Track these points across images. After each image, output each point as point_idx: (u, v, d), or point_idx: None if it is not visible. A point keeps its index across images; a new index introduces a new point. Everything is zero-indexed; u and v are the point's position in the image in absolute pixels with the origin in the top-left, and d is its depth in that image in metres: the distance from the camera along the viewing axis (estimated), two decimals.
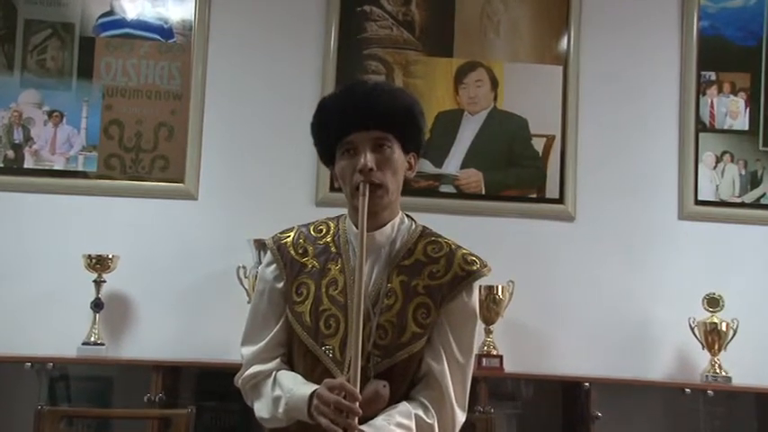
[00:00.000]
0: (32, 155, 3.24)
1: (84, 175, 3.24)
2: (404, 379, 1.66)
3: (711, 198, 3.36)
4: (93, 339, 3.05)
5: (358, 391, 1.54)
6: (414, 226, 1.75)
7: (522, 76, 3.37)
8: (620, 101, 3.38)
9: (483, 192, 3.31)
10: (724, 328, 3.14)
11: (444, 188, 3.32)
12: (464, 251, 1.73)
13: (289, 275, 1.72)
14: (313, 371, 1.66)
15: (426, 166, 3.29)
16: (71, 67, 3.26)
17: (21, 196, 3.20)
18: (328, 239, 1.74)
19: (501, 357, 3.07)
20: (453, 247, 1.73)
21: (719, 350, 3.14)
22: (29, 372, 2.93)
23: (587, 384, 2.96)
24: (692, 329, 3.17)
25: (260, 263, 3.01)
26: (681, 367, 3.24)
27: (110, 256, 3.07)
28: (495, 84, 3.36)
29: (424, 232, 1.75)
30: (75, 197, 3.21)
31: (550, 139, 3.35)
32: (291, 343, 1.71)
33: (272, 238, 1.78)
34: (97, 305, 3.07)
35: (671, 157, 3.37)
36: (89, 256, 3.07)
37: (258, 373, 1.72)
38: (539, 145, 3.34)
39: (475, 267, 1.70)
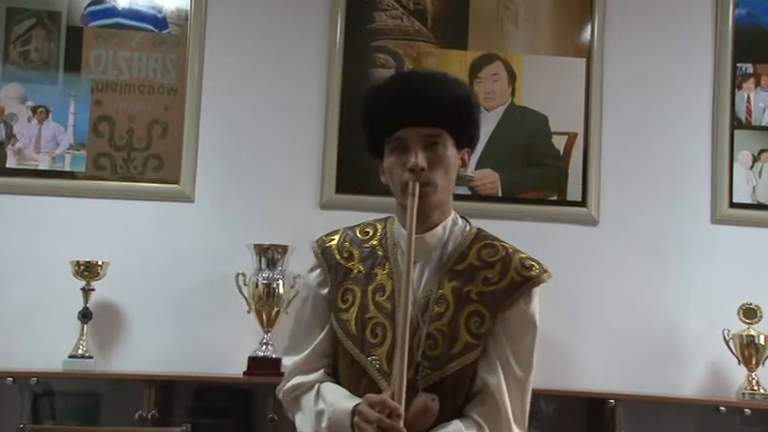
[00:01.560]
0: (15, 154, 3.23)
1: (71, 175, 3.22)
2: (455, 393, 1.63)
3: (747, 200, 3.34)
4: (80, 352, 3.03)
5: (403, 405, 1.52)
6: (468, 228, 1.74)
7: (541, 70, 3.35)
8: (648, 95, 3.36)
9: (499, 194, 3.30)
10: (762, 341, 3.11)
11: (458, 190, 3.18)
12: (522, 255, 1.71)
13: (334, 281, 1.71)
14: (359, 383, 1.65)
15: None
16: (57, 59, 3.25)
17: (2, 198, 3.19)
18: (375, 242, 1.73)
19: None
20: (510, 250, 1.71)
21: (757, 365, 3.11)
22: (11, 387, 2.91)
23: (612, 401, 2.94)
24: (727, 342, 3.15)
25: (260, 269, 3.09)
26: (715, 384, 3.22)
27: (99, 263, 3.06)
28: (512, 78, 3.34)
29: (479, 235, 1.74)
30: (61, 199, 3.20)
31: (572, 136, 3.33)
32: (336, 353, 1.71)
33: (317, 241, 1.78)
34: (85, 315, 3.05)
35: (703, 157, 3.36)
36: (77, 262, 3.05)
37: (300, 384, 1.71)
38: (559, 143, 3.32)
39: (534, 272, 1.68)
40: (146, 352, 3.10)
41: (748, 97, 3.37)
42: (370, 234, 1.75)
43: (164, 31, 3.30)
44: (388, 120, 1.64)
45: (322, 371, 1.71)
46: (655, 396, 3.06)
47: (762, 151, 3.36)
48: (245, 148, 3.28)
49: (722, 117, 3.35)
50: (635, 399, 2.99)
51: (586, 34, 3.36)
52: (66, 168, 3.22)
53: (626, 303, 3.25)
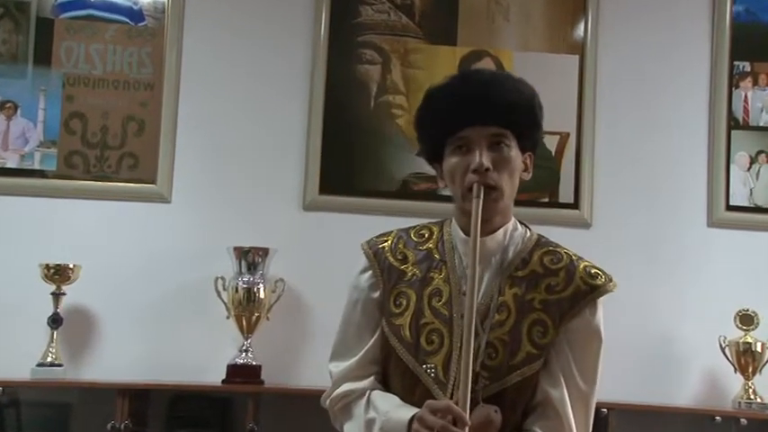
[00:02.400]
0: None
1: (41, 174, 3.21)
2: (516, 406, 1.62)
3: (744, 203, 3.34)
4: (49, 360, 3.01)
5: (467, 415, 1.51)
6: (528, 233, 1.74)
7: (533, 67, 3.32)
8: (643, 94, 3.36)
9: None
10: (759, 349, 3.11)
11: (445, 190, 3.24)
12: (586, 263, 1.70)
13: (386, 284, 1.71)
14: (413, 392, 1.64)
15: (425, 167, 3.19)
16: (26, 52, 3.22)
17: None
18: (431, 245, 1.73)
19: None
20: (574, 258, 1.71)
21: (754, 373, 3.11)
22: None
23: (605, 411, 2.92)
24: (723, 350, 3.15)
25: (240, 273, 3.09)
26: (710, 392, 3.22)
27: (70, 266, 3.05)
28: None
29: (540, 241, 1.74)
30: (30, 199, 3.18)
31: (564, 137, 3.33)
32: (387, 360, 1.70)
33: (368, 242, 1.78)
34: (55, 321, 3.03)
35: (699, 158, 3.36)
36: (47, 265, 3.03)
37: (350, 392, 1.70)
38: (551, 144, 3.31)
39: (599, 281, 1.67)
40: (119, 359, 3.08)
41: (745, 96, 3.37)
42: (426, 237, 1.75)
43: (139, 24, 3.28)
44: (452, 118, 1.63)
45: (372, 378, 1.71)
46: (648, 405, 3.06)
47: (759, 152, 3.36)
48: (225, 146, 3.26)
49: (719, 117, 3.35)
50: (628, 408, 2.98)
51: (579, 31, 3.36)
52: (36, 167, 3.20)
53: (619, 309, 3.11)
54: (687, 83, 3.37)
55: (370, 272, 1.73)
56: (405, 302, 1.68)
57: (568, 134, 3.31)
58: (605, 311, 1.68)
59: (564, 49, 3.35)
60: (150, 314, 3.14)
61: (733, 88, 3.37)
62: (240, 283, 3.05)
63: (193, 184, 3.23)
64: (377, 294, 1.72)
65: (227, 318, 3.07)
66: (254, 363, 3.02)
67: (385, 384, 1.70)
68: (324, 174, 3.24)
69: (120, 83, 3.24)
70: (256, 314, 3.06)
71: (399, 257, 1.72)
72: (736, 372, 3.12)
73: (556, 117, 3.30)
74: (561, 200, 3.30)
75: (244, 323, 3.05)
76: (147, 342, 3.11)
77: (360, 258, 1.76)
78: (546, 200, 3.29)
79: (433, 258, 1.71)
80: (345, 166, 3.25)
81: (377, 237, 1.78)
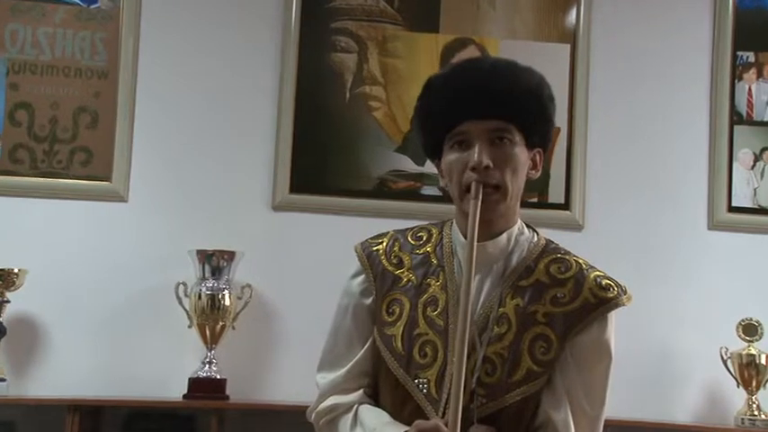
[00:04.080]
0: None
1: None
2: (515, 428, 1.60)
3: (748, 204, 3.36)
4: None
5: None
6: (536, 238, 1.71)
7: (521, 57, 3.17)
8: (639, 87, 3.37)
9: None
10: (763, 361, 3.12)
11: (427, 190, 3.30)
12: (598, 273, 1.67)
13: (379, 290, 1.70)
14: (402, 408, 1.63)
15: (406, 164, 3.29)
16: None
17: None
18: (429, 249, 1.71)
19: None
20: (585, 267, 1.67)
21: (758, 388, 3.12)
22: None
23: None
24: (725, 362, 3.15)
25: (203, 278, 3.08)
26: (711, 408, 3.23)
27: (15, 271, 3.03)
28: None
29: (548, 247, 1.71)
30: None
31: (555, 132, 3.28)
32: (378, 372, 1.69)
33: (362, 244, 1.76)
34: None
35: (700, 155, 3.37)
36: None
37: (336, 406, 1.69)
38: None
39: (611, 294, 1.64)
40: (69, 373, 3.05)
41: (749, 89, 3.39)
42: (424, 239, 1.73)
43: (92, 6, 3.25)
44: (449, 112, 1.61)
45: (361, 391, 1.70)
46: (645, 422, 3.06)
47: (764, 149, 3.38)
48: (188, 141, 3.24)
49: (721, 111, 3.36)
50: (623, 424, 2.91)
51: (571, 18, 3.36)
52: None
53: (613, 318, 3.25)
54: (687, 75, 3.38)
55: (362, 276, 1.72)
56: (398, 311, 1.67)
57: (559, 129, 3.30)
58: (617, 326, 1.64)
59: (554, 37, 3.36)
60: (104, 323, 3.11)
61: (736, 80, 3.38)
62: (203, 290, 3.04)
63: (152, 181, 3.21)
64: (369, 301, 1.70)
65: (189, 327, 3.06)
66: (218, 376, 3.01)
67: (375, 398, 1.70)
68: (295, 171, 3.23)
69: (72, 70, 3.22)
70: (221, 323, 3.05)
71: (394, 261, 1.71)
72: (738, 386, 3.13)
73: None
74: (551, 200, 3.30)
75: (207, 333, 3.04)
76: (101, 354, 3.09)
77: (353, 261, 1.74)
78: (534, 200, 3.28)
79: (430, 263, 1.69)
80: (318, 163, 3.24)
81: (372, 238, 1.77)
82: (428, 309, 1.65)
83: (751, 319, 3.14)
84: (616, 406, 3.04)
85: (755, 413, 3.08)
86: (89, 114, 3.22)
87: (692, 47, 3.39)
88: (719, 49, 3.38)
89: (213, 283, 3.05)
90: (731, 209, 3.33)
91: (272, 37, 3.27)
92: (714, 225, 3.33)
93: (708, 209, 3.34)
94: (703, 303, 3.25)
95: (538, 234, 1.72)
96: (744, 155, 3.36)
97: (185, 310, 3.06)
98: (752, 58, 3.39)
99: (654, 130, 3.36)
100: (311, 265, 3.15)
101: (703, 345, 3.18)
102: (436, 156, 1.67)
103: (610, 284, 1.65)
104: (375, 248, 1.73)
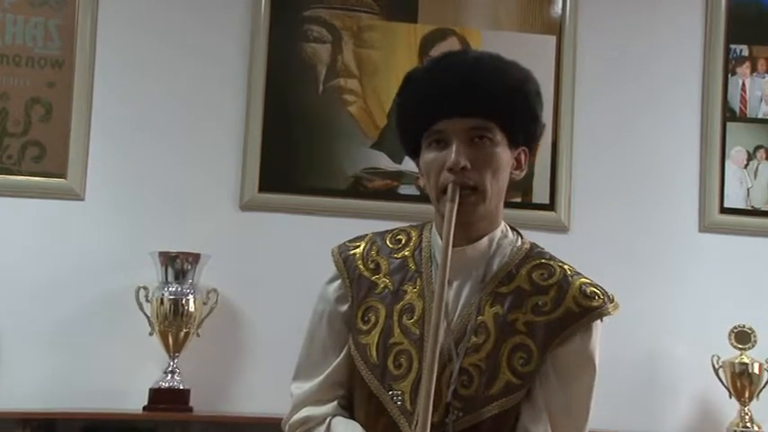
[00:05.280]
0: None
1: None
2: None
3: (741, 205, 3.37)
4: None
5: None
6: (519, 242, 1.70)
7: (504, 49, 3.14)
8: (627, 81, 3.38)
9: None
10: (756, 371, 3.13)
11: (405, 189, 3.30)
12: (584, 280, 1.66)
13: (355, 296, 1.70)
14: (376, 421, 1.63)
15: (383, 161, 3.29)
16: None
17: None
18: (407, 253, 1.71)
19: None
20: (570, 273, 1.66)
21: (751, 398, 3.13)
22: None
23: None
24: (717, 371, 3.16)
25: (166, 282, 3.07)
26: (702, 419, 3.24)
27: None
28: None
29: (532, 252, 1.69)
30: None
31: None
32: (353, 382, 1.69)
33: (339, 247, 1.75)
34: None
35: (691, 154, 3.38)
36: None
37: (309, 418, 1.69)
38: None
39: (596, 302, 1.63)
40: (20, 384, 3.03)
41: (743, 84, 3.40)
42: (403, 242, 1.73)
43: None
44: (426, 109, 1.60)
45: (335, 403, 1.70)
46: None
47: (758, 148, 3.40)
48: (149, 135, 3.22)
49: (713, 107, 3.38)
50: None
51: (557, 7, 3.37)
52: None
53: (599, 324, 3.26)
54: (677, 69, 3.39)
55: (338, 282, 1.71)
56: (373, 318, 1.66)
57: (543, 126, 3.31)
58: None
59: (539, 28, 3.36)
60: (58, 330, 3.10)
61: (729, 75, 3.40)
62: (166, 294, 3.03)
63: (111, 178, 3.19)
64: (345, 308, 1.70)
65: (151, 334, 3.04)
66: (181, 386, 2.99)
67: (350, 409, 1.70)
68: (264, 169, 3.22)
69: (23, 59, 3.21)
70: (185, 330, 3.04)
71: (371, 266, 1.70)
72: (731, 396, 3.14)
73: None
74: (535, 200, 3.30)
75: (170, 340, 3.03)
76: (55, 363, 3.07)
77: (325, 264, 1.73)
78: (517, 200, 3.28)
79: (407, 269, 1.68)
80: (289, 160, 3.23)
81: (349, 241, 1.76)
82: (404, 317, 1.64)
83: (744, 326, 3.15)
84: (601, 418, 3.04)
85: (748, 425, 3.09)
86: (42, 106, 3.20)
87: (683, 40, 3.40)
88: (712, 41, 3.40)
89: (176, 288, 3.04)
90: (723, 210, 3.34)
91: (239, 26, 3.26)
92: (705, 227, 3.34)
93: (699, 210, 3.35)
94: (694, 309, 3.27)
95: (522, 237, 1.72)
96: (737, 153, 3.38)
97: (146, 316, 3.04)
98: (746, 52, 3.41)
99: (643, 127, 3.36)
100: (281, 269, 3.13)
101: (694, 353, 3.19)
102: (416, 154, 1.66)
103: (595, 292, 1.65)
104: (352, 252, 1.73)
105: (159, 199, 3.19)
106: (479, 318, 1.61)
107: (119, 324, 3.07)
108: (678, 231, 3.33)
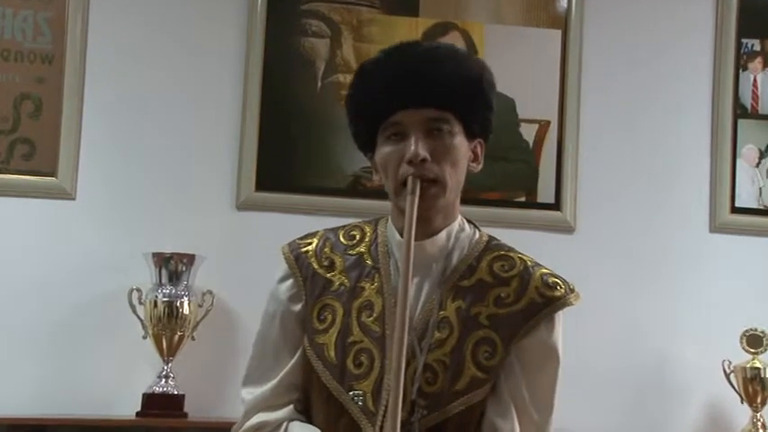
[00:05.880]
0: None
1: None
2: None
3: (752, 204, 3.37)
4: None
5: None
6: (477, 235, 1.72)
7: (508, 43, 3.36)
8: (636, 78, 3.37)
9: None
10: None
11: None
12: (544, 271, 1.68)
13: (309, 295, 1.70)
14: (336, 423, 1.63)
15: None
16: None
17: None
18: (362, 249, 1.72)
19: None
20: (530, 264, 1.68)
21: (763, 404, 3.13)
22: None
23: None
24: (728, 376, 3.16)
25: (160, 284, 3.06)
26: (713, 426, 3.24)
27: None
28: (473, 52, 3.26)
29: (491, 244, 1.71)
30: None
31: (544, 125, 3.33)
32: (310, 385, 1.69)
33: (289, 245, 1.76)
34: None
35: (701, 152, 3.38)
36: None
37: (263, 423, 1.68)
38: (529, 133, 3.32)
39: (558, 293, 1.65)
40: (8, 389, 3.01)
41: (755, 80, 3.40)
42: (357, 238, 1.74)
43: None
44: (382, 100, 1.61)
45: (291, 407, 1.69)
46: None
47: None
48: (143, 132, 3.22)
49: (723, 104, 3.37)
50: None
51: (562, 1, 3.36)
52: None
53: (606, 328, 3.24)
54: (687, 64, 3.39)
55: (290, 280, 1.71)
56: (330, 317, 1.67)
57: (549, 122, 3.32)
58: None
59: (544, 22, 3.36)
60: (49, 334, 3.09)
61: (740, 70, 3.39)
62: (160, 296, 3.03)
63: (103, 177, 3.18)
64: (298, 307, 1.69)
65: (144, 337, 3.04)
66: (175, 391, 2.99)
67: (307, 413, 1.69)
68: (261, 167, 3.22)
69: (12, 54, 3.21)
70: (179, 333, 3.03)
71: (325, 263, 1.71)
72: (742, 402, 3.14)
73: (534, 102, 3.33)
74: (540, 200, 3.30)
75: (164, 344, 3.03)
76: (45, 368, 3.07)
77: (279, 264, 1.74)
78: (522, 199, 3.29)
79: (364, 265, 1.69)
80: (286, 159, 3.22)
81: (300, 238, 1.76)
82: (363, 314, 1.65)
83: (756, 330, 3.15)
84: (608, 424, 3.12)
85: (761, 431, 3.09)
86: (32, 102, 3.20)
87: (693, 34, 3.40)
88: (722, 35, 3.39)
89: (171, 290, 3.04)
90: (735, 210, 3.34)
91: (235, 20, 3.25)
92: (716, 227, 3.34)
93: (709, 210, 3.35)
94: (704, 312, 3.26)
95: (479, 230, 1.74)
96: (748, 151, 3.37)
97: (140, 318, 3.03)
98: (757, 47, 3.41)
99: (651, 125, 3.36)
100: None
101: (704, 357, 3.18)
102: (369, 149, 1.68)
103: (557, 282, 1.67)
104: (304, 250, 1.73)
105: (153, 198, 3.19)
106: (442, 313, 1.63)
107: (111, 327, 3.07)
108: (688, 232, 3.33)
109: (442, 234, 1.67)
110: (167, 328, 3.01)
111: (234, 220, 3.20)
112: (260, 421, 1.67)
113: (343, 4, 3.30)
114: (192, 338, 3.05)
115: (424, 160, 1.57)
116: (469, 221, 1.74)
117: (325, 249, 1.72)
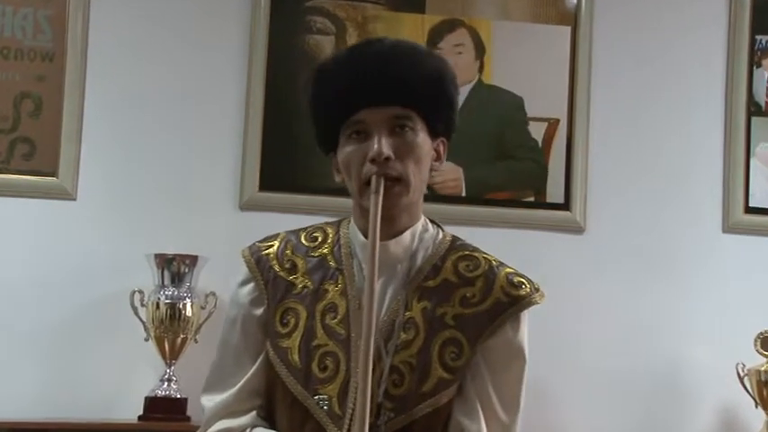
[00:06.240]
0: None
1: None
2: None
3: (767, 204, 3.37)
4: None
5: None
6: (441, 235, 1.74)
7: (516, 40, 3.36)
8: (647, 75, 3.37)
9: (463, 193, 3.31)
10: None
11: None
12: (509, 270, 1.69)
13: (271, 298, 1.70)
14: (301, 428, 1.64)
15: None
16: None
17: None
18: (325, 251, 1.73)
19: None
20: (494, 264, 1.70)
21: None
22: None
23: None
24: (741, 379, 3.14)
25: (162, 286, 3.06)
26: (726, 430, 3.24)
27: None
28: (480, 50, 3.34)
29: (455, 243, 1.72)
30: None
31: (553, 124, 3.33)
32: (273, 390, 1.69)
33: (249, 248, 1.76)
34: None
35: (714, 150, 3.37)
36: None
37: (226, 431, 1.68)
38: (538, 132, 3.32)
39: (523, 292, 1.66)
40: (7, 393, 3.01)
41: None
42: (320, 240, 1.75)
43: None
44: (344, 99, 1.62)
45: (254, 413, 1.69)
46: None
47: None
48: (145, 132, 3.22)
49: (737, 101, 3.37)
50: None
51: None
52: None
53: (617, 330, 3.25)
54: (699, 61, 3.39)
55: (251, 284, 1.71)
56: (293, 321, 1.67)
57: (558, 121, 3.32)
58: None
59: (553, 18, 3.36)
60: (50, 336, 3.09)
61: (754, 67, 3.39)
62: (162, 298, 3.02)
63: (104, 177, 3.19)
64: (260, 311, 1.69)
65: (146, 340, 3.04)
66: (178, 395, 2.99)
67: (270, 419, 1.69)
68: (264, 167, 3.22)
69: (12, 52, 3.21)
70: (182, 335, 3.03)
71: (287, 266, 1.71)
72: (757, 406, 3.12)
73: (543, 101, 3.34)
74: (549, 199, 3.31)
75: (166, 346, 3.03)
76: (45, 371, 3.07)
77: (240, 267, 1.74)
78: (531, 199, 3.30)
79: (327, 267, 1.70)
80: (290, 158, 3.22)
81: (261, 241, 1.76)
82: (327, 317, 1.66)
83: None
84: (618, 427, 3.10)
85: None
86: (32, 101, 3.20)
87: (706, 30, 3.39)
88: (736, 31, 3.39)
89: (173, 291, 3.04)
90: (748, 210, 3.34)
91: (239, 16, 3.25)
92: (729, 227, 3.34)
93: (722, 209, 3.35)
94: (717, 314, 3.26)
95: (442, 230, 1.75)
96: (762, 150, 3.37)
97: (141, 321, 3.03)
98: None
99: (663, 123, 3.35)
100: None
101: (717, 360, 3.18)
102: (331, 149, 1.68)
103: (522, 282, 1.68)
104: (265, 252, 1.73)
105: (155, 199, 3.19)
106: (407, 313, 1.65)
107: (113, 329, 3.07)
108: (700, 232, 3.33)
109: (407, 234, 1.68)
110: (170, 331, 3.01)
111: (237, 220, 3.20)
112: (222, 428, 1.68)
113: (349, 1, 3.31)
114: (195, 341, 3.04)
115: (387, 158, 1.58)
116: (432, 221, 1.75)
117: (287, 252, 1.73)
